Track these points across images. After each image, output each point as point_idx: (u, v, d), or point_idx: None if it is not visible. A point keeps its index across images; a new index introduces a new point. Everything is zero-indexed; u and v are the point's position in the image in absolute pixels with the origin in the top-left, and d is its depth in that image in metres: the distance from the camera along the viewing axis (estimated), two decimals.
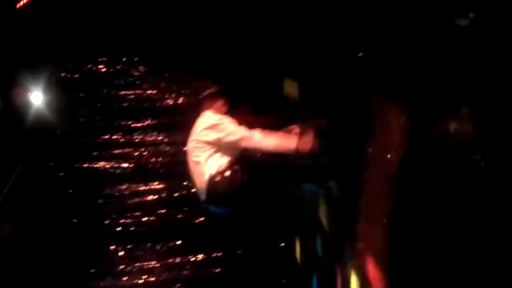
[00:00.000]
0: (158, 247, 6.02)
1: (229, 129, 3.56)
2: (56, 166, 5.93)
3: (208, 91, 3.72)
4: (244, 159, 3.57)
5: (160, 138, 6.05)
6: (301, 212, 4.20)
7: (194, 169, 3.68)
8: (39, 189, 5.66)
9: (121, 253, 6.00)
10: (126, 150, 5.99)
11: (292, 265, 5.53)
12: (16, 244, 5.41)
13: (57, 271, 5.76)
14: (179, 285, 5.99)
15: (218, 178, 3.45)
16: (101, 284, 5.94)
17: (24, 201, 5.42)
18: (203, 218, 6.00)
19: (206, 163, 3.54)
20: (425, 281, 1.62)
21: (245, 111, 4.03)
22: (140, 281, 5.97)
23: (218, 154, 3.58)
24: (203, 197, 3.64)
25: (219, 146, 3.58)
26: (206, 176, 3.52)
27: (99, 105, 6.02)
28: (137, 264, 6.00)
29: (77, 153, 5.98)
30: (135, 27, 5.88)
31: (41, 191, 5.69)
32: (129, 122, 6.07)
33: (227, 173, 3.44)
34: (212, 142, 3.57)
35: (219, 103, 3.85)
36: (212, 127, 3.58)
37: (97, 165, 5.97)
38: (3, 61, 5.12)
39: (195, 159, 3.64)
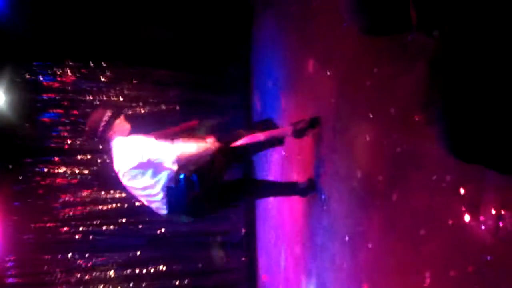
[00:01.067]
0: (116, 257, 5.91)
1: (147, 147, 3.38)
2: (15, 170, 5.80)
3: (107, 116, 3.42)
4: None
5: None
6: None
7: (143, 193, 3.45)
8: None
9: (79, 261, 5.89)
10: (89, 156, 5.87)
11: None
12: None
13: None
14: None
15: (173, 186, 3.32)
16: None
17: None
18: (163, 230, 5.93)
19: (154, 181, 3.36)
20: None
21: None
22: None
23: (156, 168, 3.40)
24: (164, 212, 3.48)
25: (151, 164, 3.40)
26: (160, 194, 3.34)
27: (63, 109, 5.91)
28: (95, 273, 5.90)
29: (38, 158, 5.86)
30: (106, 31, 5.81)
31: None
32: None
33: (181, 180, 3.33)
34: (142, 164, 3.37)
35: (121, 125, 3.54)
36: (133, 153, 3.36)
37: (58, 171, 5.85)
38: None
39: (141, 185, 3.41)
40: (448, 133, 1.87)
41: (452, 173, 1.97)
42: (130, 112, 6.01)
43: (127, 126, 3.45)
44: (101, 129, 3.35)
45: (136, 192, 3.42)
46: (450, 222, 1.97)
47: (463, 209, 1.89)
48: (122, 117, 3.47)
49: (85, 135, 3.68)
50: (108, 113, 3.41)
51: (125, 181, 3.36)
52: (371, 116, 2.71)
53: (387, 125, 2.51)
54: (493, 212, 1.75)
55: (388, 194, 2.46)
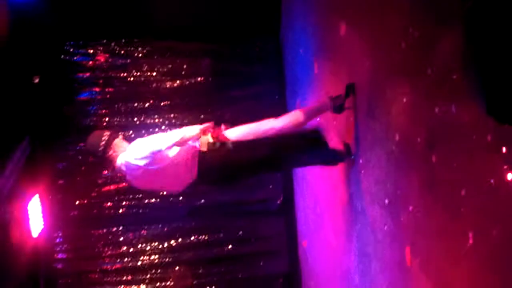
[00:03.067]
0: (159, 229, 6.06)
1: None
2: (58, 148, 5.96)
3: (105, 136, 3.39)
4: None
5: (160, 120, 6.03)
6: None
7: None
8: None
9: (124, 235, 6.06)
10: (127, 132, 5.97)
11: None
12: None
13: None
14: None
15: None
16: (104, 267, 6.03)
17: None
18: (202, 201, 6.04)
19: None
20: None
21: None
22: (142, 262, 6.05)
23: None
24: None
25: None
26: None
27: (99, 87, 6.01)
28: (140, 245, 6.06)
29: (78, 136, 5.99)
30: (135, 8, 5.83)
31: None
32: (129, 104, 6.06)
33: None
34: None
35: (120, 145, 3.44)
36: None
37: None
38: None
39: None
40: (487, 93, 1.84)
41: (493, 132, 1.94)
42: (167, 85, 6.07)
43: (126, 145, 3.45)
44: (100, 149, 3.40)
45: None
46: (491, 181, 1.95)
47: (505, 167, 1.87)
48: (120, 137, 3.49)
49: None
50: (107, 133, 3.44)
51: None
52: (407, 77, 2.68)
53: (424, 86, 2.47)
54: None
55: (427, 156, 2.45)
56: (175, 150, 3.32)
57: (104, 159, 3.46)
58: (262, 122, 3.54)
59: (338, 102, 3.55)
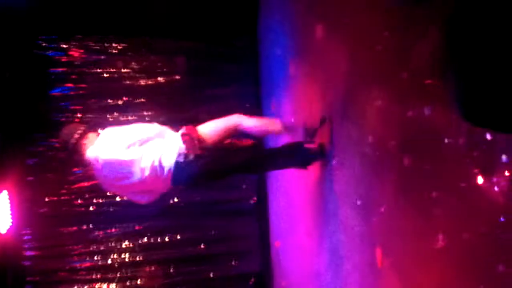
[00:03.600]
0: (131, 227, 6.01)
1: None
2: (28, 144, 5.86)
3: (80, 130, 3.39)
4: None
5: (134, 117, 5.98)
6: None
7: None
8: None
9: (94, 233, 5.99)
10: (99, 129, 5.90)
11: None
12: None
13: None
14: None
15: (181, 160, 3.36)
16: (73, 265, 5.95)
17: None
18: (176, 199, 6.00)
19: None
20: None
21: None
22: (112, 261, 5.99)
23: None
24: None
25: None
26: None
27: (72, 83, 5.93)
28: (110, 244, 6.00)
29: (49, 132, 5.91)
30: (110, 3, 5.76)
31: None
32: (103, 101, 5.99)
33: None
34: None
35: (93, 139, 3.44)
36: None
37: None
38: None
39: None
40: (460, 97, 1.87)
41: (465, 136, 1.97)
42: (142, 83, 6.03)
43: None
44: (73, 141, 3.37)
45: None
46: (462, 184, 1.98)
47: (476, 171, 1.90)
48: (95, 132, 3.48)
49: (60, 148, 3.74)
50: (82, 127, 3.45)
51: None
52: (382, 81, 2.70)
53: (398, 90, 2.51)
54: (506, 173, 1.76)
55: (400, 158, 2.48)
56: (146, 171, 3.31)
57: (74, 152, 3.43)
58: (230, 117, 3.59)
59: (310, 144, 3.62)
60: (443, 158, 2.12)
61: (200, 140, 3.42)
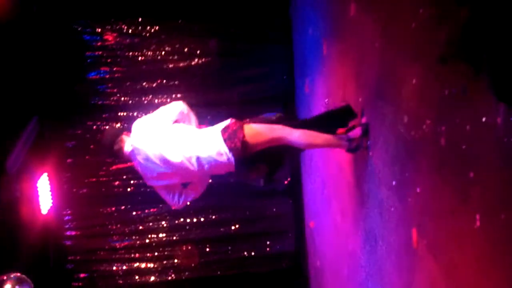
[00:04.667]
0: (167, 207, 6.10)
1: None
2: (66, 127, 6.00)
3: (119, 141, 3.42)
4: None
5: (168, 100, 6.04)
6: None
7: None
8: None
9: (132, 213, 6.11)
10: (135, 112, 5.99)
11: None
12: None
13: None
14: None
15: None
16: (112, 244, 6.10)
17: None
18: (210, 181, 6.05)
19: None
20: None
21: None
22: (150, 240, 6.12)
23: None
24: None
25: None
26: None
27: (108, 67, 6.01)
28: (148, 224, 6.12)
29: (87, 115, 6.03)
30: None
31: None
32: (137, 84, 6.06)
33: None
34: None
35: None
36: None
37: (106, 127, 6.00)
38: None
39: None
40: (495, 75, 1.82)
41: (503, 115, 1.92)
42: (175, 65, 6.06)
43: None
44: (116, 147, 3.42)
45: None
46: (500, 164, 1.94)
47: None
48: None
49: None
50: (121, 132, 3.47)
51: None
52: (418, 58, 2.65)
53: (434, 67, 2.45)
54: None
55: (436, 138, 2.44)
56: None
57: (117, 156, 3.50)
58: (275, 128, 3.38)
59: (354, 144, 3.43)
60: (480, 138, 2.08)
61: (244, 143, 3.24)
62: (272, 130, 3.33)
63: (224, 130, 3.28)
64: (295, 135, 3.33)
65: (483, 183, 2.08)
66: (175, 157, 3.27)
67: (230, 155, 3.23)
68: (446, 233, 2.42)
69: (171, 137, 3.32)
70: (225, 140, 3.23)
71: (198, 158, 3.27)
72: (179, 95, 6.05)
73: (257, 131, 3.30)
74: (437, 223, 2.52)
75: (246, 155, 3.26)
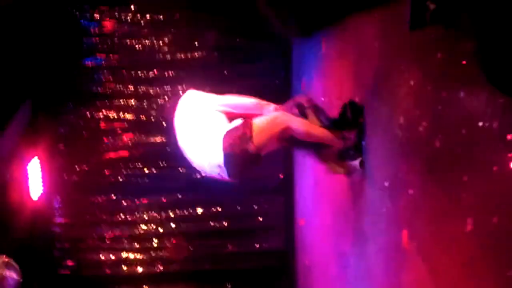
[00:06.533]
0: (157, 199, 6.08)
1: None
2: (59, 113, 5.96)
3: None
4: None
5: (164, 90, 6.00)
6: None
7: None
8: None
9: (122, 203, 6.08)
10: (129, 101, 5.96)
11: None
12: None
13: None
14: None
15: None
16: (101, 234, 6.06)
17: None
18: (203, 174, 6.03)
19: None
20: None
21: None
22: (138, 231, 6.09)
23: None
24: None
25: None
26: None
27: (104, 53, 5.97)
28: (138, 214, 6.09)
29: (81, 101, 5.99)
30: None
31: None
32: (134, 73, 6.02)
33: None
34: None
35: None
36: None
37: (100, 115, 5.97)
38: None
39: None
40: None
41: (500, 120, 1.92)
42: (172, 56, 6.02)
43: None
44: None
45: None
46: (494, 168, 1.94)
47: (510, 155, 1.86)
48: None
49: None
50: None
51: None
52: (416, 60, 2.65)
53: (433, 69, 2.45)
54: None
55: (431, 140, 2.43)
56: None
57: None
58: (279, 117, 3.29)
59: (349, 143, 3.35)
60: (476, 142, 2.07)
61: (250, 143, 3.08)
62: (275, 121, 3.22)
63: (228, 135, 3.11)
64: (296, 122, 3.26)
65: (476, 187, 2.07)
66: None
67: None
68: (437, 236, 2.42)
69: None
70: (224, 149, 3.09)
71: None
72: (176, 87, 6.01)
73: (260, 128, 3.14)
74: (428, 225, 2.52)
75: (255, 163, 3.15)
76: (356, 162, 3.39)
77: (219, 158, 3.10)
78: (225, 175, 3.18)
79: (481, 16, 1.63)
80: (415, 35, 2.61)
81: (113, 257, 6.06)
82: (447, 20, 1.95)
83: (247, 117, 3.21)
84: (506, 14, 1.50)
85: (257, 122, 3.16)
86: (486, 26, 1.63)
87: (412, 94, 2.70)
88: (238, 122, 3.18)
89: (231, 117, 3.27)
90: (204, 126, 3.23)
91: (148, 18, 5.99)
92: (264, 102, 3.38)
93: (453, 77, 2.26)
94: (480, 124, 2.03)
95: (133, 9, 5.97)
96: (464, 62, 2.15)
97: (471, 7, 1.68)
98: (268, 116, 3.25)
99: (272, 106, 3.36)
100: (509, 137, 1.86)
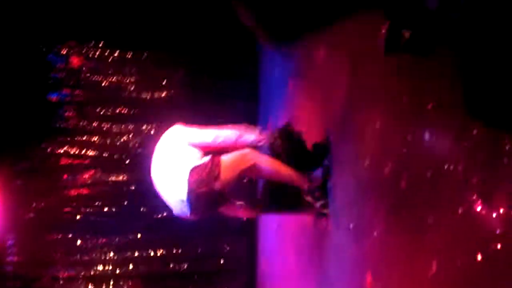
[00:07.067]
0: (116, 239, 5.92)
1: None
2: (18, 148, 5.81)
3: None
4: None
5: (128, 128, 5.94)
6: None
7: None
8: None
9: (80, 242, 5.90)
10: (92, 138, 5.87)
11: None
12: None
13: None
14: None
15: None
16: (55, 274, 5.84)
17: None
18: (165, 214, 5.93)
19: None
20: None
21: None
22: (94, 272, 5.89)
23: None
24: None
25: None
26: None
27: (69, 89, 5.90)
28: (95, 255, 5.91)
29: (41, 137, 5.86)
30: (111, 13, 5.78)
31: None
32: (98, 110, 5.96)
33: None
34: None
35: None
36: None
37: (61, 151, 5.84)
38: None
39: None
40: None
41: (464, 162, 1.96)
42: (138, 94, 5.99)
43: None
44: None
45: None
46: (460, 210, 1.96)
47: (474, 197, 1.88)
48: None
49: None
50: None
51: None
52: (382, 103, 2.70)
53: (398, 113, 2.50)
54: (505, 200, 1.75)
55: (396, 182, 2.46)
56: None
57: None
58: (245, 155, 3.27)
59: (314, 185, 3.36)
60: (441, 184, 2.10)
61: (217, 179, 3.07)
62: (244, 158, 3.21)
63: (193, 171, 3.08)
64: (263, 159, 3.26)
65: (441, 228, 2.09)
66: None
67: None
68: (402, 278, 2.41)
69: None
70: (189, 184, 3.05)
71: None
72: (144, 127, 5.95)
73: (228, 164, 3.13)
74: (392, 268, 2.51)
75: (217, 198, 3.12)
76: (320, 203, 3.40)
77: (183, 194, 3.05)
78: (186, 211, 3.13)
79: (461, 50, 1.70)
80: (385, 68, 2.68)
81: None
82: (420, 51, 2.03)
83: (218, 153, 3.18)
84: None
85: (225, 159, 3.14)
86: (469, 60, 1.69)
87: (378, 136, 2.74)
88: (206, 159, 3.14)
89: (207, 151, 3.24)
90: (174, 160, 3.19)
91: (116, 55, 5.97)
92: (246, 130, 3.38)
93: (418, 121, 2.30)
94: (445, 166, 2.06)
95: (100, 46, 5.95)
96: (429, 106, 2.20)
97: (446, 41, 1.74)
98: (238, 152, 3.24)
99: (256, 130, 3.36)
100: (473, 180, 1.89)
